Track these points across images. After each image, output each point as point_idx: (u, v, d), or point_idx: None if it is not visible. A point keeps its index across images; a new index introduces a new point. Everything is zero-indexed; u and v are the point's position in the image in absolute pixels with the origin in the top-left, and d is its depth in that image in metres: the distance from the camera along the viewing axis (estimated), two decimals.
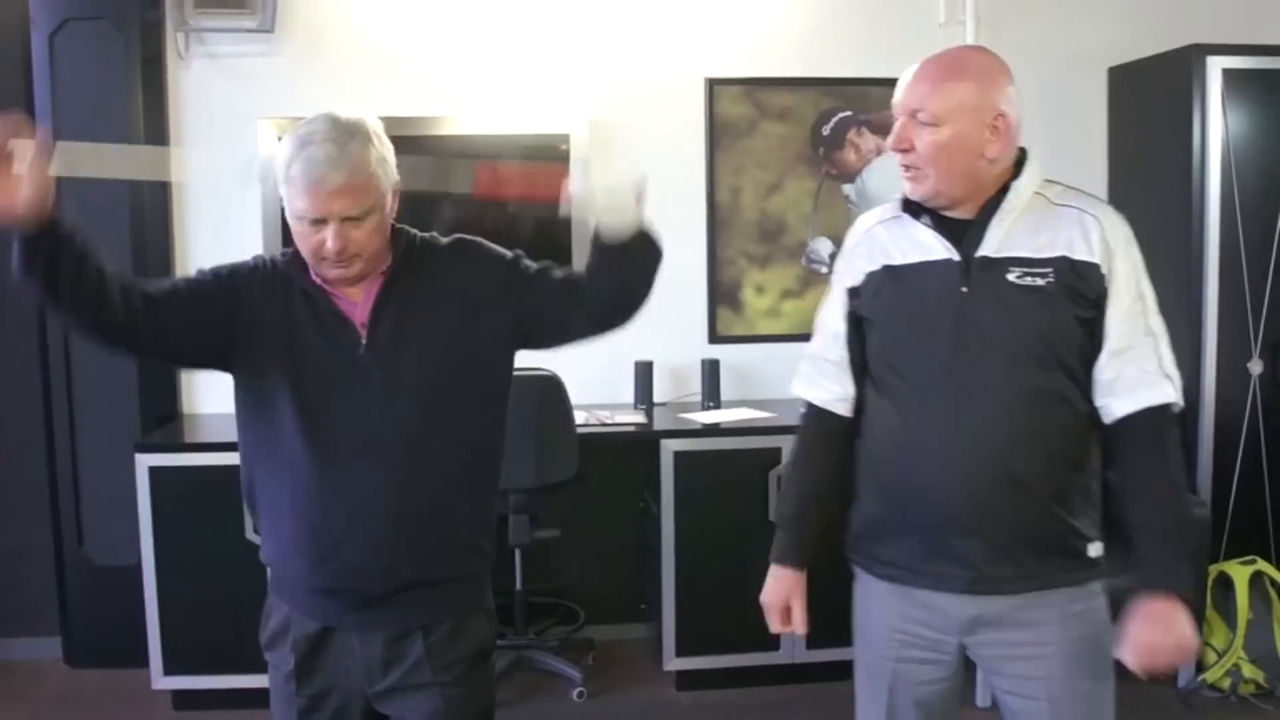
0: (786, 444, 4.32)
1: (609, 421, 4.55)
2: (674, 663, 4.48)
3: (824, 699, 4.42)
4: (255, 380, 2.27)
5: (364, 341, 2.21)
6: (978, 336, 2.25)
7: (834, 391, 2.50)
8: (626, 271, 2.32)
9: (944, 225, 2.30)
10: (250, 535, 4.18)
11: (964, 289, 2.26)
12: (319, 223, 2.12)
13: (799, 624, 2.58)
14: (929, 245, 2.31)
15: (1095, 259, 2.22)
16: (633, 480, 4.83)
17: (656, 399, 4.84)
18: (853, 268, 2.45)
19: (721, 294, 4.95)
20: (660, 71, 4.88)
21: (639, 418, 4.64)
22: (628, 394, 4.83)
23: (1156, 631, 2.18)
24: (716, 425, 4.54)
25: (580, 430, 4.33)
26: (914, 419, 2.32)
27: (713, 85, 4.87)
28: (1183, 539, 2.29)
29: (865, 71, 4.92)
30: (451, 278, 2.30)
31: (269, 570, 2.39)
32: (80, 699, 4.55)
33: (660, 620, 4.47)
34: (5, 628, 4.90)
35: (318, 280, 2.24)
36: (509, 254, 2.36)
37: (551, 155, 4.73)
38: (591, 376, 4.73)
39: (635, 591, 4.95)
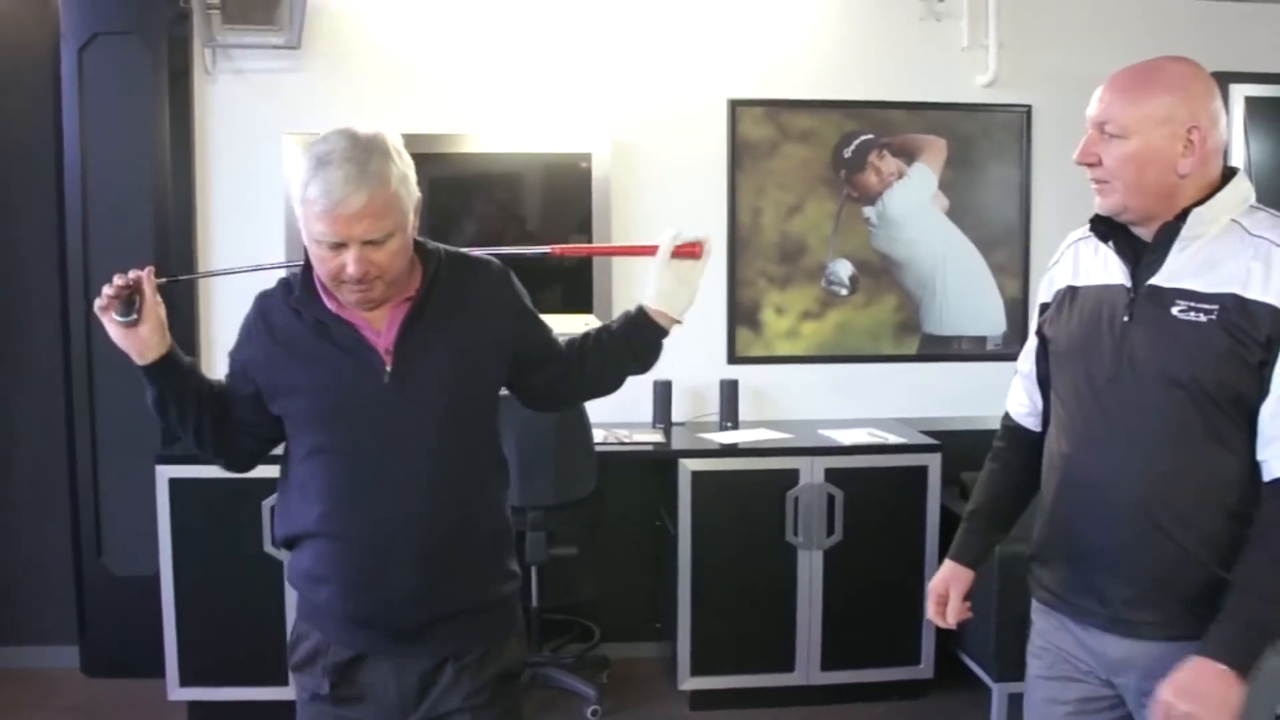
0: (804, 465, 4.37)
1: (627, 440, 4.55)
2: (689, 682, 4.47)
3: None
4: (287, 415, 2.25)
5: (389, 369, 2.18)
6: (1132, 367, 2.15)
7: (1025, 405, 2.50)
8: (640, 361, 2.42)
9: (1129, 248, 2.19)
10: (269, 549, 4.21)
11: (1126, 318, 2.17)
12: (339, 246, 2.06)
13: (951, 615, 2.55)
14: (1110, 268, 2.22)
15: (1272, 299, 2.03)
16: (649, 499, 4.84)
17: (675, 418, 4.84)
18: (1049, 282, 2.41)
19: (741, 314, 4.96)
20: (683, 92, 4.90)
21: (657, 437, 4.64)
22: (646, 413, 4.83)
23: (1195, 701, 2.00)
24: (734, 445, 4.54)
25: (598, 448, 4.34)
26: (1071, 445, 2.25)
27: (735, 106, 4.89)
28: (1270, 617, 2.06)
29: (888, 95, 4.95)
30: (476, 299, 2.28)
31: (299, 597, 2.37)
32: (97, 708, 4.56)
33: (675, 639, 4.46)
34: (23, 636, 4.92)
35: (335, 309, 2.20)
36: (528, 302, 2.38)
37: (573, 174, 4.76)
38: (610, 395, 4.74)
39: (651, 610, 4.95)
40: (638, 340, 2.38)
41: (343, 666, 2.27)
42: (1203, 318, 2.07)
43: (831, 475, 4.40)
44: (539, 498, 4.20)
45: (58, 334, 4.74)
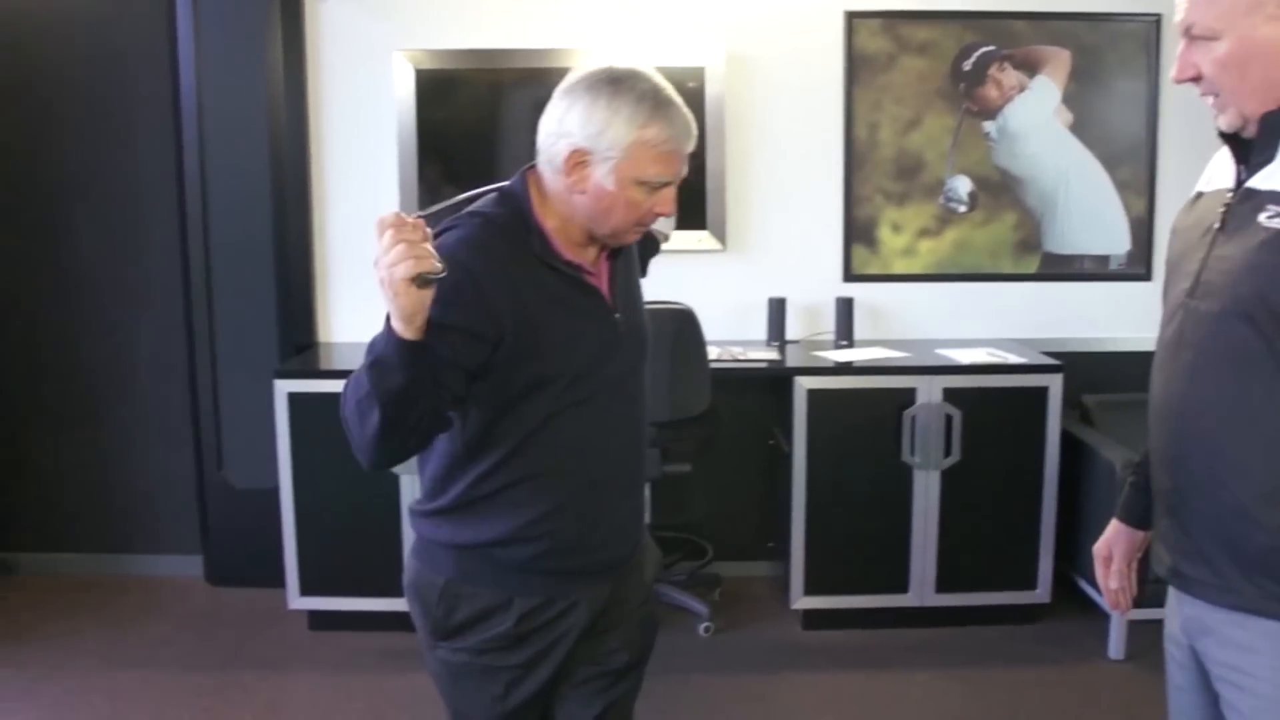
0: (921, 384, 4.31)
1: (742, 357, 4.51)
2: (801, 601, 4.46)
3: (952, 643, 4.39)
4: (537, 377, 2.03)
5: (617, 316, 2.15)
6: (1207, 284, 1.89)
7: None
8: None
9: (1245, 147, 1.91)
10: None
11: (1217, 225, 1.90)
12: (661, 186, 2.04)
13: (1114, 581, 2.27)
14: (1227, 170, 1.95)
15: None
16: (763, 417, 4.81)
17: (789, 336, 4.79)
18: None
19: (857, 232, 4.87)
20: (798, 3, 4.78)
21: (772, 354, 4.59)
22: (760, 330, 4.78)
23: None
24: (850, 363, 4.47)
25: (713, 365, 4.30)
26: (1153, 371, 2.01)
27: (851, 18, 4.76)
28: None
29: (1010, 4, 4.77)
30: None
31: (459, 556, 2.17)
32: (220, 616, 4.69)
33: (788, 558, 4.45)
34: (150, 546, 5.08)
35: (569, 256, 2.08)
36: None
37: (684, 90, 4.67)
38: (725, 312, 4.71)
39: (763, 529, 4.95)
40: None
41: (529, 613, 2.15)
42: None
43: (949, 395, 4.33)
44: (653, 414, 4.15)
45: (177, 255, 4.82)
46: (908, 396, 4.33)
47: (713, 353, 4.35)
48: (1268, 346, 1.80)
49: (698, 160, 4.69)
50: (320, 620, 4.48)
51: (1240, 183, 1.88)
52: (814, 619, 4.50)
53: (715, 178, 4.73)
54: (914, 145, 4.84)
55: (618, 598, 2.26)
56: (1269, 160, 1.84)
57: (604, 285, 2.15)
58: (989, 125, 4.83)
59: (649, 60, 4.68)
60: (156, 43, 4.72)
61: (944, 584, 4.43)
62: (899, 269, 4.91)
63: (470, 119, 4.80)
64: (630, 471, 2.25)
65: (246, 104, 4.67)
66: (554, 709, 2.32)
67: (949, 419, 4.32)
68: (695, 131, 2.06)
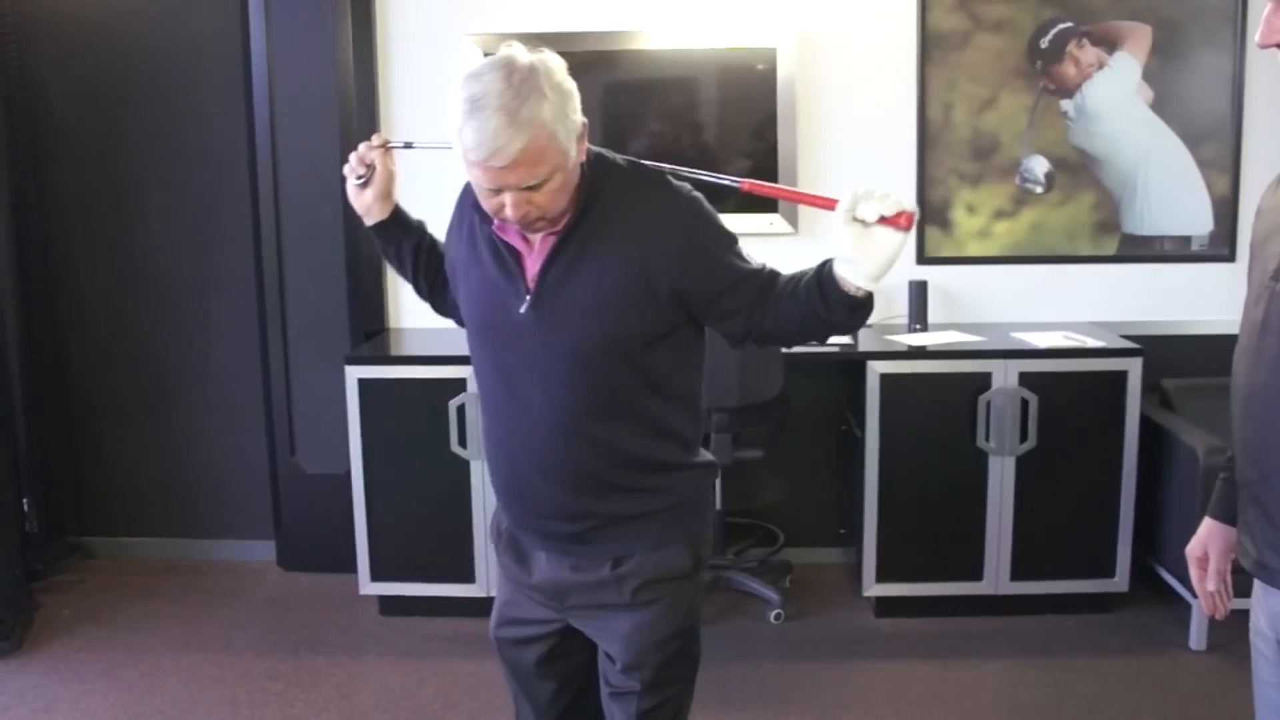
0: (996, 369, 4.23)
1: (814, 342, 4.44)
2: (874, 588, 4.40)
3: (1027, 632, 4.32)
4: (462, 310, 2.35)
5: (528, 300, 2.13)
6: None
7: None
8: (828, 326, 2.11)
9: None
10: (455, 448, 4.26)
11: None
12: (496, 192, 2.01)
13: (1211, 581, 2.15)
14: None
15: None
16: (836, 402, 4.76)
17: None
18: None
19: (931, 213, 4.78)
20: None
21: (844, 339, 4.52)
22: None
23: None
24: (924, 348, 4.40)
25: (784, 350, 4.25)
26: (1241, 358, 1.94)
27: None
28: None
29: None
30: (637, 229, 2.12)
31: None
32: (292, 601, 4.72)
33: (860, 545, 4.40)
34: (223, 530, 5.14)
35: (497, 229, 2.15)
36: (712, 237, 2.16)
37: (753, 72, 4.63)
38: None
39: (835, 515, 4.90)
40: (820, 299, 2.04)
41: (515, 540, 2.38)
42: None
43: (1026, 379, 4.24)
44: (724, 399, 4.15)
45: (249, 240, 4.85)
46: (983, 381, 4.25)
47: None
48: None
49: (769, 142, 4.65)
50: (391, 605, 4.50)
51: None
52: (886, 606, 4.45)
53: (787, 160, 4.66)
54: (989, 125, 4.74)
55: (581, 595, 2.29)
56: None
57: (533, 262, 2.14)
58: (1066, 104, 4.72)
59: (715, 40, 4.63)
60: (229, 32, 4.75)
61: (1019, 571, 4.35)
62: (974, 251, 4.82)
63: None
64: (536, 454, 2.21)
65: (317, 92, 4.69)
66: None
67: (1025, 404, 4.24)
68: (510, 143, 1.92)
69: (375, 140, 2.37)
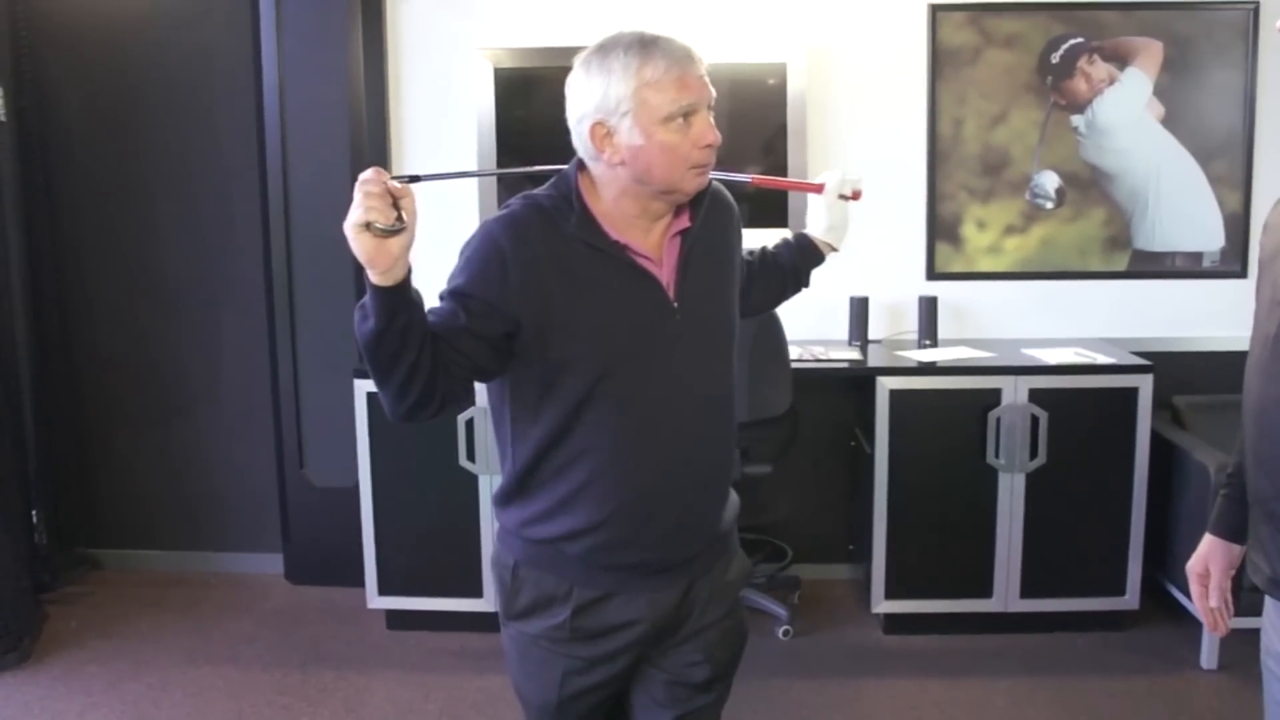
0: (1007, 384, 4.22)
1: (823, 357, 4.44)
2: (882, 605, 4.39)
3: (1037, 650, 4.29)
4: (564, 359, 2.01)
5: (677, 306, 2.06)
6: None
7: None
8: (799, 285, 2.63)
9: None
10: (464, 463, 4.25)
11: None
12: (689, 116, 1.99)
13: (1213, 598, 2.16)
14: None
15: None
16: (845, 418, 4.75)
17: (871, 335, 4.72)
18: None
19: (941, 229, 4.78)
20: None
21: (854, 354, 4.52)
22: (842, 330, 4.71)
23: None
24: (934, 363, 4.39)
25: (794, 365, 4.24)
26: (1253, 374, 1.93)
27: (936, 11, 4.67)
28: None
29: None
30: (727, 229, 2.24)
31: (526, 549, 2.17)
32: (299, 614, 4.72)
33: (869, 561, 4.38)
34: (231, 543, 5.14)
35: (616, 236, 2.03)
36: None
37: (765, 86, 4.63)
38: (806, 311, 4.63)
39: (844, 531, 4.89)
40: (804, 266, 2.57)
41: (588, 606, 2.14)
42: None
43: (1036, 396, 4.23)
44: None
45: (259, 253, 4.86)
46: (993, 397, 4.24)
47: (794, 352, 4.30)
48: None
49: (778, 155, 4.65)
50: (398, 620, 4.49)
51: None
52: (895, 623, 4.43)
53: (797, 174, 4.66)
54: (1000, 140, 4.74)
55: (692, 603, 2.21)
56: None
57: (666, 273, 2.07)
58: (1077, 119, 4.71)
59: (727, 54, 4.64)
60: (240, 46, 4.76)
61: (1029, 589, 4.33)
62: (984, 267, 4.81)
63: (550, 118, 4.66)
64: (697, 471, 2.14)
65: (328, 104, 4.70)
66: (632, 717, 2.33)
67: (1035, 420, 4.22)
68: (696, 53, 2.03)
69: (381, 175, 1.81)
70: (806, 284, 2.61)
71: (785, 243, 2.56)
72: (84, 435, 5.14)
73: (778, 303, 2.65)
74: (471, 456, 4.26)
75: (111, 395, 5.12)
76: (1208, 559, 2.15)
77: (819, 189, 2.54)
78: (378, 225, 1.77)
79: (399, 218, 1.78)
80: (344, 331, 4.74)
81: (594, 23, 4.59)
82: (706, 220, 2.14)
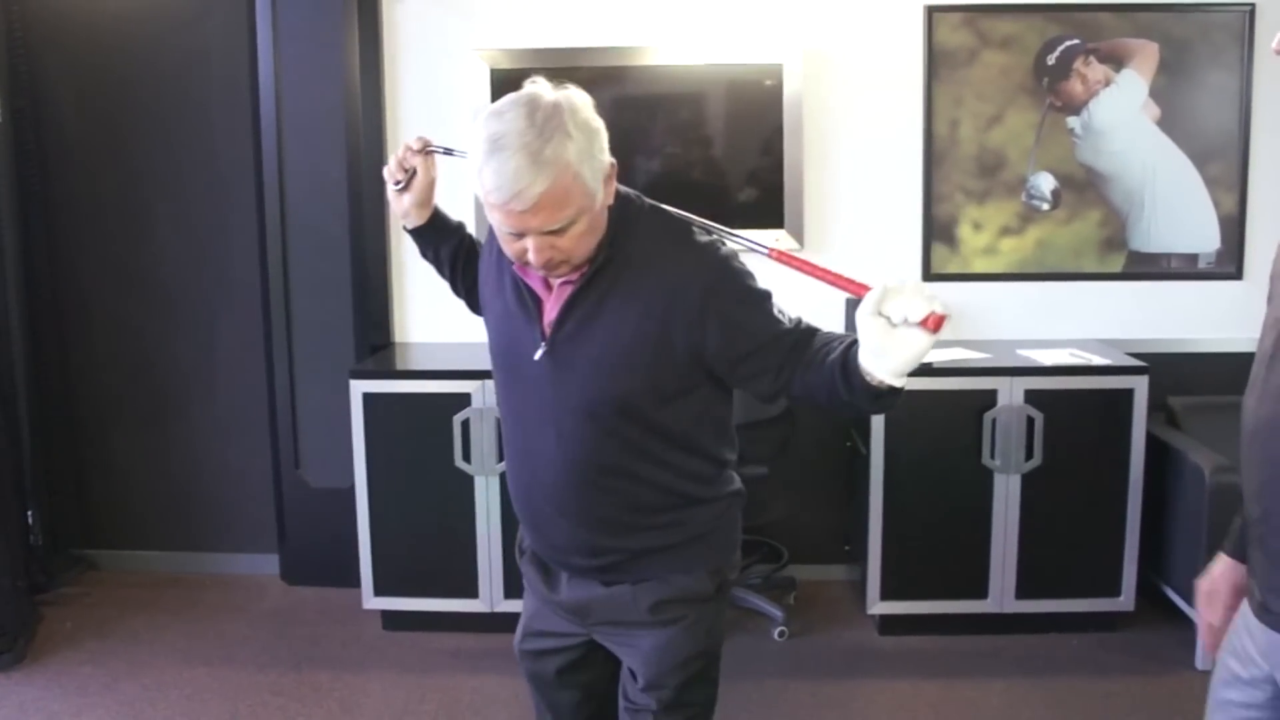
0: (1003, 386, 4.22)
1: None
2: (878, 606, 4.39)
3: (1032, 651, 4.30)
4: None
5: (543, 347, 2.09)
6: None
7: None
8: (853, 408, 2.00)
9: None
10: (459, 463, 4.26)
11: None
12: (519, 234, 1.95)
13: (1216, 614, 2.10)
14: None
15: None
16: (841, 419, 4.74)
17: None
18: None
19: (937, 230, 4.78)
20: None
21: None
22: (838, 330, 4.69)
23: None
24: (929, 365, 4.37)
25: None
26: (1250, 393, 1.89)
27: (932, 13, 4.67)
28: None
29: None
30: (658, 288, 2.05)
31: None
32: (295, 614, 4.72)
33: (865, 562, 4.38)
34: (227, 544, 5.13)
35: (519, 269, 2.10)
36: (737, 299, 2.08)
37: (760, 87, 4.63)
38: (801, 312, 4.64)
39: (840, 532, 4.89)
40: (845, 382, 1.93)
41: (539, 558, 2.37)
42: None
43: (1031, 397, 4.23)
44: None
45: (255, 254, 4.85)
46: (988, 398, 4.24)
47: None
48: None
49: (775, 157, 4.65)
50: (394, 620, 4.49)
51: None
52: (890, 624, 4.43)
53: (793, 176, 4.67)
54: (995, 142, 4.74)
55: (601, 614, 2.29)
56: None
57: (551, 307, 2.09)
58: (1073, 121, 4.72)
59: (722, 56, 4.65)
60: (236, 47, 4.75)
61: (1024, 590, 4.34)
62: (980, 268, 4.81)
63: None
64: (557, 503, 2.19)
65: (324, 104, 4.70)
66: None
67: (1031, 421, 4.23)
68: (532, 185, 1.86)
69: (415, 143, 2.29)
70: (857, 406, 1.97)
71: (841, 341, 2.00)
72: (80, 436, 5.14)
73: (828, 407, 2.05)
74: (468, 457, 4.26)
75: (107, 396, 5.12)
76: (1220, 579, 2.09)
77: (863, 291, 1.86)
78: (390, 183, 2.34)
79: (403, 179, 2.32)
80: (340, 332, 4.77)
81: (591, 24, 4.61)
82: (612, 292, 2.06)
